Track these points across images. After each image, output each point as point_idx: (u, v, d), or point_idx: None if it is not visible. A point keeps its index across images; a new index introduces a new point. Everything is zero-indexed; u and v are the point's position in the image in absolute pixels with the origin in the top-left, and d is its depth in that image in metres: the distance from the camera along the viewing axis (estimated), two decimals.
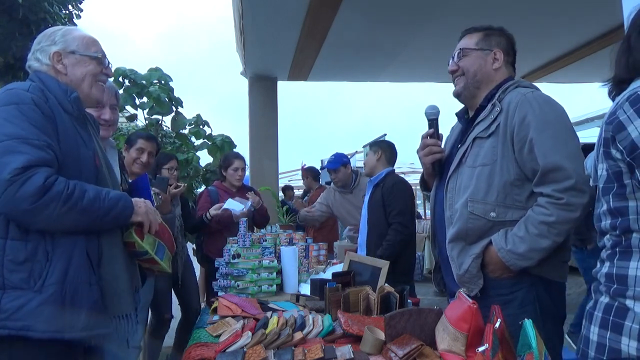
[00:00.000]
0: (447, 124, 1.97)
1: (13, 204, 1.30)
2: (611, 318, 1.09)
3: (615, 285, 1.11)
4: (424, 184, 1.99)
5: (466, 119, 1.84)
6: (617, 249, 1.12)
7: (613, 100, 1.19)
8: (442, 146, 1.87)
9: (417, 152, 1.87)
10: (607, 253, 1.16)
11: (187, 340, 3.55)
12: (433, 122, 1.84)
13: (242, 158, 3.98)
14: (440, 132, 1.85)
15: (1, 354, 1.33)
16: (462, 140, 1.75)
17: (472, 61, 1.75)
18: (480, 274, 1.61)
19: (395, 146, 3.61)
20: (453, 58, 1.81)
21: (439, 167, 1.83)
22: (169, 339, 3.68)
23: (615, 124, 1.09)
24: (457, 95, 1.81)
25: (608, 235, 1.16)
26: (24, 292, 1.32)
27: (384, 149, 3.48)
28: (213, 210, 3.59)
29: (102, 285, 1.45)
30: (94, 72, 1.63)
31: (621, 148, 1.07)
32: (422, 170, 1.99)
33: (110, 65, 1.72)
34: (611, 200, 1.13)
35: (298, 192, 8.66)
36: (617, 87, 1.18)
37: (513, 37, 1.82)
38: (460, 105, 1.89)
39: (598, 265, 1.20)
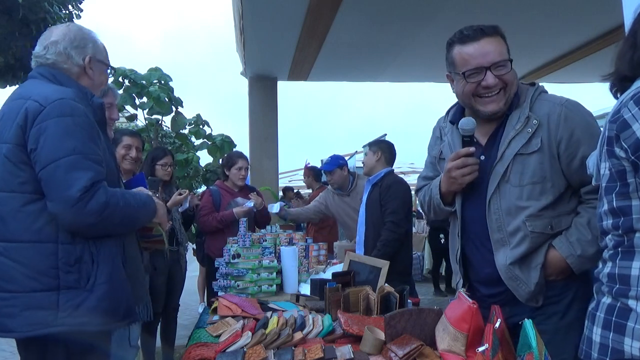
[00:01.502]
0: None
1: (80, 220, 1.41)
2: (614, 319, 1.08)
3: (617, 286, 1.10)
4: (442, 198, 1.72)
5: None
6: (620, 249, 1.11)
7: (614, 95, 1.18)
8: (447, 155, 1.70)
9: (450, 170, 1.59)
10: (609, 253, 1.15)
11: (173, 335, 3.57)
12: (471, 138, 1.58)
13: (245, 157, 3.99)
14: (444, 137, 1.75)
15: (57, 347, 1.44)
16: (490, 154, 1.59)
17: (512, 73, 1.53)
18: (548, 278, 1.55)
19: (395, 147, 3.62)
20: (486, 70, 1.50)
21: (469, 184, 1.62)
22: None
23: (620, 122, 1.08)
24: (494, 113, 1.56)
25: (610, 235, 1.15)
26: (79, 292, 1.43)
27: (384, 150, 3.49)
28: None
29: (129, 281, 1.57)
30: (105, 81, 1.76)
31: (625, 146, 1.06)
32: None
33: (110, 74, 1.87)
34: (614, 199, 1.12)
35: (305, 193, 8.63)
36: (619, 83, 1.17)
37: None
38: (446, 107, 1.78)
39: (600, 265, 1.20)
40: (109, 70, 1.78)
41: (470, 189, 1.62)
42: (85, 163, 1.42)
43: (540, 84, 1.66)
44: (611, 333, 1.08)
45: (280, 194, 8.30)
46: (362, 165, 3.68)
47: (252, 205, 3.70)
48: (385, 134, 7.43)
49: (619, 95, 1.16)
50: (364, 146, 3.69)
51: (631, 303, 1.05)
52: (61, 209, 1.40)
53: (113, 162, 1.64)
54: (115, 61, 1.94)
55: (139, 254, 1.72)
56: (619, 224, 1.11)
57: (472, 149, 1.57)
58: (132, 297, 1.56)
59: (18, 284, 1.40)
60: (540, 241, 1.53)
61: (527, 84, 1.64)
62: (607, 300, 1.13)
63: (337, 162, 3.98)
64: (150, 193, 1.76)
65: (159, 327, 3.63)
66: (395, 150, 3.58)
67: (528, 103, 1.56)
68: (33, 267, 1.41)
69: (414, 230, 8.37)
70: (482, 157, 1.59)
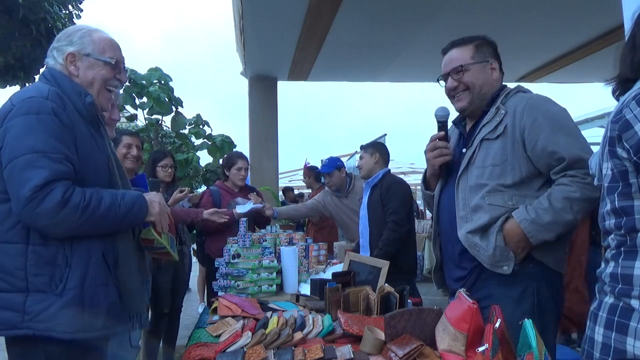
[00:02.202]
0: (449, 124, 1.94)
1: (33, 220, 1.37)
2: (616, 319, 1.08)
3: (620, 285, 1.09)
4: (426, 184, 1.99)
5: (463, 125, 1.88)
6: (622, 249, 1.11)
7: (617, 99, 1.18)
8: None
9: (425, 152, 1.87)
10: (612, 253, 1.15)
11: (175, 335, 3.56)
12: (443, 124, 1.84)
13: (245, 158, 3.99)
14: (449, 135, 1.87)
15: (34, 351, 1.41)
16: (466, 143, 1.78)
17: (476, 75, 1.75)
18: (509, 247, 1.63)
19: (386, 147, 3.66)
20: (447, 76, 1.79)
21: (445, 169, 1.85)
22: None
23: (622, 122, 1.08)
24: (462, 110, 1.81)
25: (613, 235, 1.15)
26: (47, 296, 1.38)
27: (380, 151, 3.49)
28: (207, 214, 3.54)
29: (118, 286, 1.50)
30: (105, 77, 1.63)
31: (627, 147, 1.06)
32: (422, 170, 1.99)
33: (125, 72, 1.72)
34: (616, 199, 1.12)
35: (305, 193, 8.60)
36: (621, 86, 1.17)
37: (495, 43, 1.84)
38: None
39: (602, 265, 1.19)
40: (109, 63, 1.63)
41: (449, 175, 1.83)
42: (41, 161, 1.37)
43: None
44: (613, 333, 1.08)
45: (280, 194, 8.31)
46: (358, 167, 3.68)
47: (252, 205, 3.69)
48: (385, 134, 7.43)
49: (620, 99, 1.16)
50: (361, 147, 3.68)
51: (634, 303, 1.05)
52: (16, 208, 1.37)
53: (105, 162, 1.58)
54: None
55: (136, 256, 1.64)
56: (622, 223, 1.11)
57: (442, 133, 1.83)
58: (118, 304, 1.49)
59: None
60: (499, 213, 1.65)
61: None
62: (609, 300, 1.12)
63: (335, 164, 3.99)
64: (141, 192, 1.65)
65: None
66: (388, 151, 3.61)
67: (502, 98, 1.74)
68: (1, 267, 1.39)
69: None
70: (464, 150, 1.78)
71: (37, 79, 1.62)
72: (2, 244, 1.41)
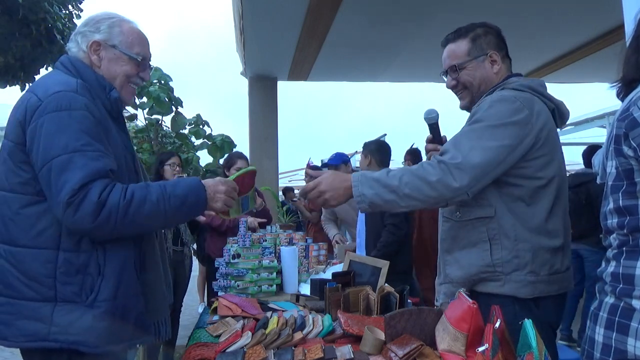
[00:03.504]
0: (448, 124, 1.95)
1: (75, 225, 1.29)
2: (617, 319, 1.07)
3: (621, 285, 1.09)
4: None
5: None
6: (624, 248, 1.10)
7: (622, 100, 1.17)
8: None
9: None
10: (614, 252, 1.14)
11: (175, 335, 3.55)
12: (433, 126, 1.81)
13: (245, 158, 4.01)
14: (443, 134, 1.83)
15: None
16: None
17: (473, 73, 1.66)
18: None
19: (385, 145, 3.58)
20: (447, 73, 1.72)
21: None
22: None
23: (629, 120, 1.07)
24: (465, 108, 1.74)
25: (615, 234, 1.14)
26: (76, 306, 1.31)
27: (373, 152, 3.45)
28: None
29: (145, 292, 1.44)
30: (128, 73, 1.52)
31: (634, 145, 1.05)
32: None
33: (150, 70, 1.61)
34: (620, 198, 1.11)
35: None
36: (626, 87, 1.16)
37: (498, 28, 1.72)
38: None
39: (603, 264, 1.19)
40: (136, 59, 1.52)
41: None
42: (77, 162, 1.28)
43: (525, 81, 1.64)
44: (614, 333, 1.07)
45: (280, 194, 8.30)
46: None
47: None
48: (385, 134, 7.43)
49: (626, 98, 1.15)
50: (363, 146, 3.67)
51: (635, 303, 1.05)
52: (58, 215, 1.29)
53: (132, 160, 1.51)
54: None
55: (159, 259, 1.55)
56: (625, 223, 1.10)
57: (430, 136, 1.83)
58: (143, 314, 1.41)
59: (14, 290, 1.31)
60: (448, 228, 1.65)
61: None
62: (610, 300, 1.12)
63: (341, 158, 3.98)
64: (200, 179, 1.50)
65: None
66: (386, 149, 3.53)
67: (483, 98, 1.62)
68: (29, 274, 1.30)
69: None
70: None
71: (40, 75, 1.56)
72: (31, 249, 1.32)
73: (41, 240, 1.32)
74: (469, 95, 1.70)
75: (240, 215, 1.62)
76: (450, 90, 1.78)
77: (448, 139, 1.80)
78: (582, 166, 4.61)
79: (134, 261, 1.41)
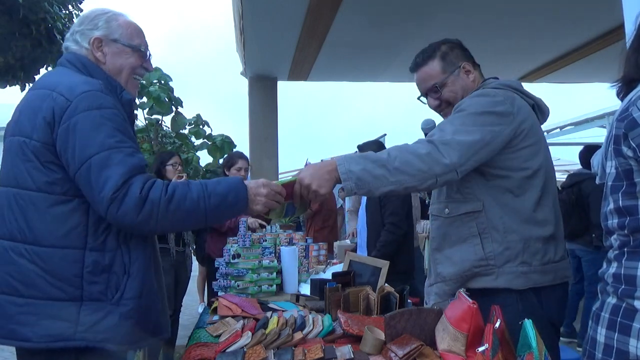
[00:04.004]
0: None
1: (119, 221, 1.31)
2: (619, 319, 1.07)
3: (623, 286, 1.08)
4: None
5: None
6: (626, 249, 1.10)
7: (621, 100, 1.17)
8: None
9: None
10: (615, 253, 1.14)
11: (174, 335, 3.56)
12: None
13: (245, 158, 4.02)
14: None
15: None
16: None
17: (454, 88, 1.69)
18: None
19: (383, 146, 3.59)
20: (426, 96, 1.74)
21: None
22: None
23: (628, 121, 1.06)
24: None
25: (615, 235, 1.14)
26: (102, 305, 1.32)
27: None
28: None
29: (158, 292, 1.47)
30: (134, 65, 1.54)
31: (634, 146, 1.05)
32: None
33: (150, 58, 1.61)
34: (620, 198, 1.10)
35: None
36: (626, 87, 1.16)
37: (458, 40, 1.77)
38: None
39: (604, 265, 1.18)
40: (139, 49, 1.54)
41: None
42: (116, 158, 1.30)
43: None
44: (616, 334, 1.07)
45: None
46: None
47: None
48: (385, 134, 7.44)
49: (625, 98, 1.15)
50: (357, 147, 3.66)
51: (637, 304, 1.05)
52: (101, 212, 1.30)
53: (144, 160, 1.53)
54: None
55: (160, 259, 1.58)
56: (625, 223, 1.10)
57: None
58: (161, 312, 1.45)
59: (38, 290, 1.30)
60: (438, 226, 1.66)
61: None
62: (612, 300, 1.12)
63: None
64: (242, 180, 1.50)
65: None
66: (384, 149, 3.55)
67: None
68: (55, 273, 1.30)
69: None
70: None
71: (41, 74, 1.54)
72: (58, 249, 1.32)
73: (69, 239, 1.32)
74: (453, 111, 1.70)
75: (278, 220, 1.62)
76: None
77: None
78: (581, 167, 4.62)
79: (152, 262, 1.43)
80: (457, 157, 1.44)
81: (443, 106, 1.72)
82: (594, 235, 4.06)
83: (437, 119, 1.83)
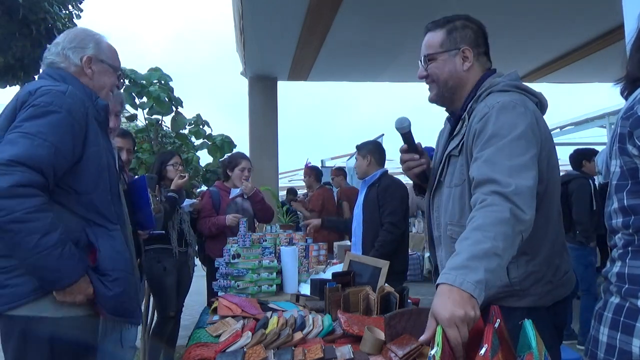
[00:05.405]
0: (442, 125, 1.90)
1: None
2: (622, 319, 1.06)
3: (627, 286, 1.08)
4: (418, 187, 1.84)
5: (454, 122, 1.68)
6: (630, 248, 1.09)
7: (626, 99, 1.16)
8: (436, 150, 1.76)
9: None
10: (619, 252, 1.13)
11: (175, 335, 3.57)
12: (406, 135, 1.69)
13: (248, 159, 4.04)
14: (417, 141, 1.72)
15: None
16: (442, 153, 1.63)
17: (441, 66, 1.57)
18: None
19: (382, 145, 3.61)
20: (421, 61, 1.63)
21: (424, 178, 1.72)
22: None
23: (634, 119, 1.06)
24: (433, 102, 1.66)
25: (620, 234, 1.13)
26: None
27: (372, 152, 3.46)
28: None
29: None
30: (113, 83, 1.73)
31: (639, 144, 1.04)
32: None
33: (122, 78, 1.83)
34: (625, 197, 1.10)
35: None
36: (630, 85, 1.15)
37: (480, 23, 1.64)
38: None
39: (608, 264, 1.17)
40: (119, 70, 1.77)
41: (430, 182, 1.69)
42: (21, 142, 1.38)
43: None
44: (619, 333, 1.06)
45: (282, 194, 8.29)
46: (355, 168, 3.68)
47: (239, 192, 3.79)
48: (383, 134, 7.43)
49: (630, 97, 1.14)
50: (356, 148, 3.66)
51: None
52: None
53: (114, 166, 1.67)
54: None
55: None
56: (630, 222, 1.09)
57: (404, 145, 1.70)
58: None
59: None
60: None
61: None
62: (615, 300, 1.11)
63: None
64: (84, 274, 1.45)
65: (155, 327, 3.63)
66: (383, 149, 3.56)
67: (472, 103, 1.51)
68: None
69: (414, 230, 8.36)
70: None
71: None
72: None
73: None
74: (436, 88, 1.61)
75: None
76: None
77: (423, 146, 1.73)
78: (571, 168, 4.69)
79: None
80: (531, 207, 1.26)
81: (428, 80, 1.62)
82: (577, 231, 4.15)
83: (412, 116, 1.73)
